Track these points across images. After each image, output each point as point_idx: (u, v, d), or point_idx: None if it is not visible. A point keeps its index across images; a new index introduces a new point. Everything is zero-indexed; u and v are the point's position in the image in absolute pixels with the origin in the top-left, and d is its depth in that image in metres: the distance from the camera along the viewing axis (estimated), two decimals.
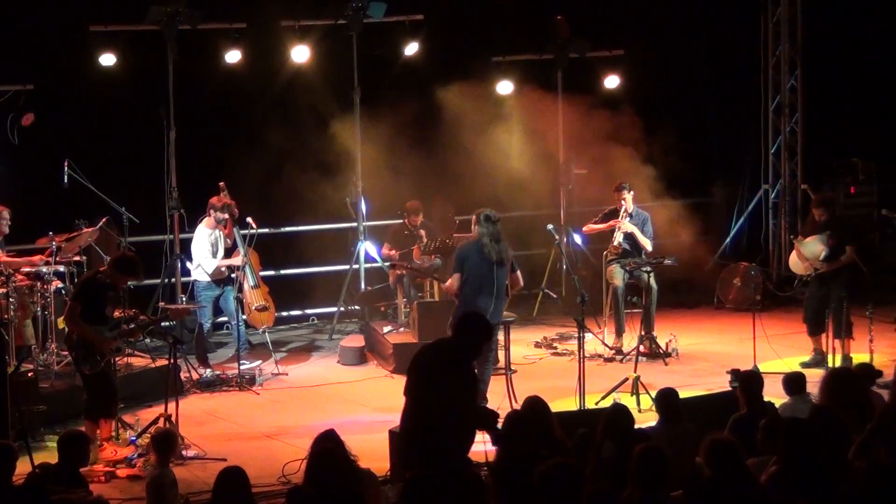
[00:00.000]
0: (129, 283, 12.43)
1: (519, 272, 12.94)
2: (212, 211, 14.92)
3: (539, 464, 7.74)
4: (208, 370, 14.65)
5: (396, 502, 8.35)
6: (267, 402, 13.90)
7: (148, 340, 14.49)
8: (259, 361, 15.07)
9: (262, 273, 15.67)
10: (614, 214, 15.58)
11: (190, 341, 15.45)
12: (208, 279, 14.88)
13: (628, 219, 15.45)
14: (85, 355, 11.58)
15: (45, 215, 15.10)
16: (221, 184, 15.14)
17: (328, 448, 8.33)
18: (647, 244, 15.37)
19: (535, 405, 9.34)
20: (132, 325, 12.14)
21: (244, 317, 15.17)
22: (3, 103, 15.65)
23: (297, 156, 16.88)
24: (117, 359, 12.45)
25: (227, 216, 14.89)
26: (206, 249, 14.85)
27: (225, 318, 15.80)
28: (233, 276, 14.94)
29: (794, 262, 14.90)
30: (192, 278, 15.14)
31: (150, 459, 10.47)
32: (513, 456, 8.75)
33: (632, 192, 15.58)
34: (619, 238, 15.43)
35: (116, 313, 12.08)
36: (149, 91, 16.42)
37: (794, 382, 10.48)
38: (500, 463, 8.84)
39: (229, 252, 15.06)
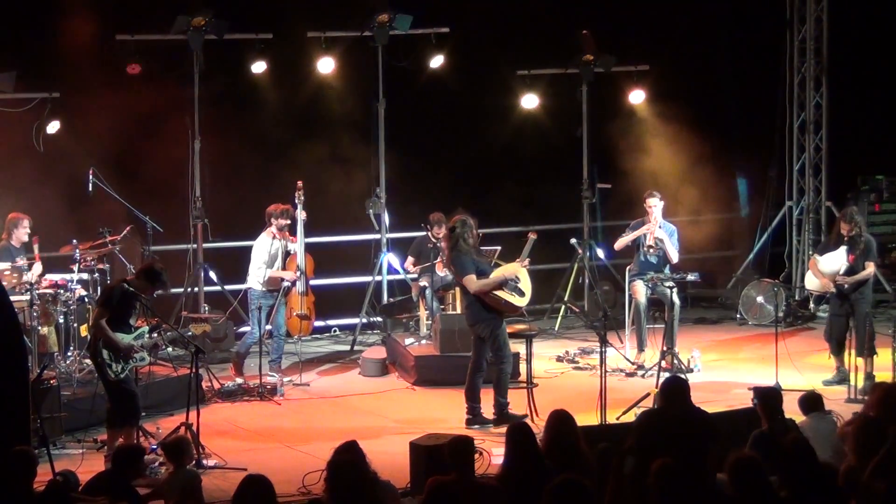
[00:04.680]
0: (155, 293, 12.42)
1: None
2: (272, 219, 14.75)
3: (550, 480, 7.72)
4: (230, 381, 14.61)
5: None
6: (288, 412, 13.90)
7: (170, 349, 14.49)
8: (289, 379, 15.00)
9: None
10: (642, 225, 15.51)
11: (212, 350, 15.46)
12: (263, 288, 14.82)
13: (657, 227, 15.37)
14: (110, 362, 11.60)
15: (69, 223, 15.15)
16: (299, 183, 15.02)
17: (349, 459, 8.31)
18: (674, 254, 15.29)
19: (561, 419, 9.29)
20: (157, 335, 12.14)
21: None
22: (29, 111, 15.71)
23: (320, 166, 16.90)
24: (139, 368, 12.48)
25: (287, 222, 14.77)
26: (261, 260, 14.73)
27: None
28: (285, 284, 14.88)
29: (811, 281, 14.84)
30: (247, 285, 15.13)
31: (168, 468, 10.52)
32: (518, 469, 8.71)
33: (662, 202, 15.51)
34: (650, 240, 15.31)
35: (139, 322, 12.12)
36: (174, 100, 16.48)
37: (809, 401, 10.40)
38: (506, 476, 8.79)
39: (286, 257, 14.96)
